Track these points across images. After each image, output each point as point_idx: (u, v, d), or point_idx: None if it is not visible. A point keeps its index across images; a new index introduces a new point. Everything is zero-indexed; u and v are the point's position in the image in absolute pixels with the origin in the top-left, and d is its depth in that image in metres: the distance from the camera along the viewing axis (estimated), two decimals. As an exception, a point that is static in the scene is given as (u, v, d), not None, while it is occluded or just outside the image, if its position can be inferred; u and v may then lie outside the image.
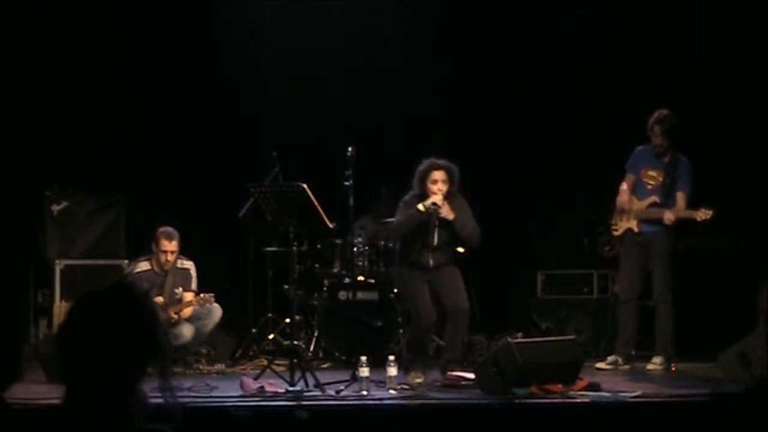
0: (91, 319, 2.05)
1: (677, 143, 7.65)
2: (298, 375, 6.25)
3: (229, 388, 6.30)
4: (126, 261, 8.29)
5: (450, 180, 7.16)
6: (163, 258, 7.72)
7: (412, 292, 7.24)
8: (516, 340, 6.44)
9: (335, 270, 8.47)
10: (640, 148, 7.78)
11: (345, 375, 6.45)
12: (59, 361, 2.05)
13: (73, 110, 8.88)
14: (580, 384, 6.17)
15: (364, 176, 8.05)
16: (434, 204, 7.04)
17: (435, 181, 7.15)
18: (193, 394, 6.04)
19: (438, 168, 7.18)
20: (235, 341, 8.48)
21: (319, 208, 6.78)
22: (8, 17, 8.58)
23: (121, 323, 2.05)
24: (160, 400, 2.06)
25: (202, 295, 7.64)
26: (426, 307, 7.17)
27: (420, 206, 7.10)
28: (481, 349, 7.83)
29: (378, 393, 6.10)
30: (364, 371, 6.10)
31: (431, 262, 7.20)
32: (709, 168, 7.92)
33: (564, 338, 6.91)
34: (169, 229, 7.77)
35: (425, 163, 7.24)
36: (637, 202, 7.75)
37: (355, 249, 8.34)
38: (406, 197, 7.33)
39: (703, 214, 7.27)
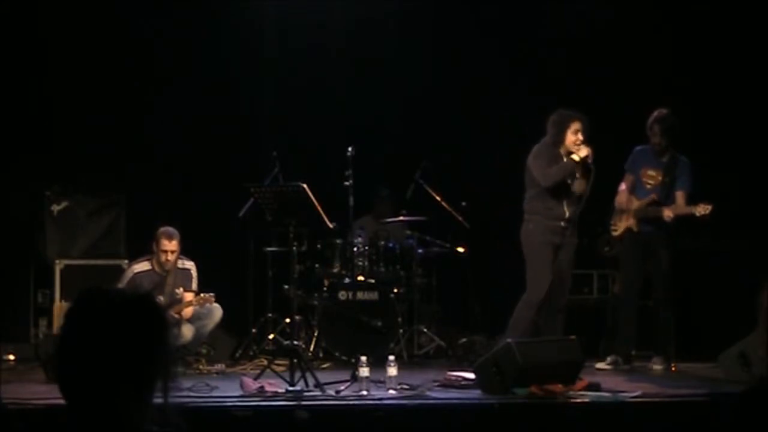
0: (99, 323, 2.02)
1: (677, 143, 7.65)
2: (298, 375, 6.25)
3: (229, 388, 6.29)
4: (126, 261, 8.28)
5: (585, 130, 7.33)
6: (163, 257, 7.72)
7: (536, 260, 7.30)
8: (516, 340, 6.43)
9: (335, 270, 8.47)
10: (638, 148, 7.78)
11: (345, 375, 6.45)
12: (59, 362, 2.03)
13: (73, 110, 8.89)
14: (580, 384, 6.17)
15: (364, 176, 8.06)
16: (587, 158, 7.24)
17: (577, 131, 7.33)
18: (193, 394, 6.04)
19: (579, 119, 7.35)
20: (235, 341, 8.48)
21: (319, 207, 6.78)
22: (8, 18, 8.58)
23: (132, 329, 2.03)
24: (160, 401, 2.06)
25: (202, 295, 7.64)
26: (543, 282, 7.24)
27: (575, 157, 7.29)
28: (481, 349, 7.84)
29: (378, 393, 6.09)
30: (364, 371, 6.10)
31: (568, 213, 7.32)
32: (708, 168, 7.92)
33: (564, 338, 6.90)
34: (169, 228, 7.76)
35: (563, 114, 7.39)
36: (636, 202, 7.75)
37: (355, 249, 8.34)
38: (538, 147, 7.43)
39: (702, 209, 7.26)
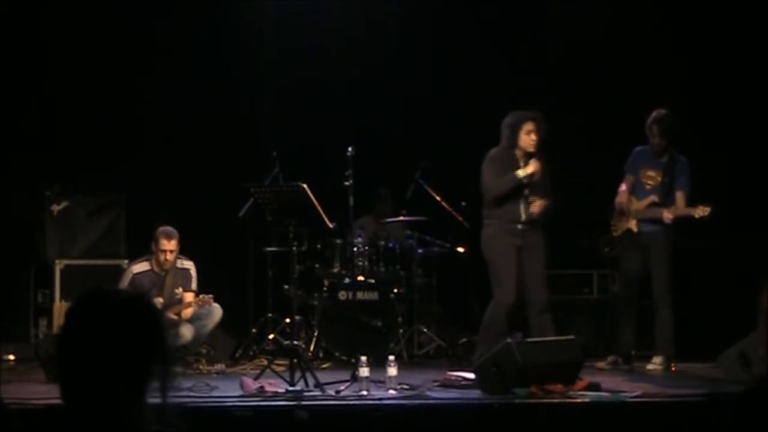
0: (99, 324, 2.03)
1: (676, 143, 7.65)
2: (298, 375, 6.25)
3: (229, 388, 6.29)
4: (126, 261, 8.28)
5: (539, 130, 7.26)
6: (162, 257, 7.71)
7: (499, 263, 7.29)
8: (516, 340, 6.43)
9: (335, 270, 8.47)
10: (638, 148, 7.78)
11: (345, 375, 6.45)
12: (59, 362, 2.04)
13: (73, 110, 8.89)
14: (580, 384, 6.17)
15: (364, 176, 8.06)
16: (533, 175, 7.21)
17: (529, 132, 7.27)
18: (193, 394, 6.04)
19: (532, 120, 7.28)
20: (235, 341, 8.48)
21: (319, 207, 6.78)
22: (8, 18, 8.58)
23: (132, 329, 2.04)
24: (159, 401, 2.06)
25: (201, 296, 7.64)
26: (509, 283, 7.23)
27: (520, 172, 7.26)
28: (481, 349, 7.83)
29: (378, 393, 6.09)
30: (364, 371, 6.09)
31: (524, 215, 7.29)
32: (708, 168, 7.92)
33: (564, 338, 6.90)
34: (168, 228, 7.76)
35: (516, 115, 7.34)
36: (636, 202, 7.75)
37: (355, 249, 8.34)
38: (493, 152, 7.40)
39: (701, 211, 7.26)
